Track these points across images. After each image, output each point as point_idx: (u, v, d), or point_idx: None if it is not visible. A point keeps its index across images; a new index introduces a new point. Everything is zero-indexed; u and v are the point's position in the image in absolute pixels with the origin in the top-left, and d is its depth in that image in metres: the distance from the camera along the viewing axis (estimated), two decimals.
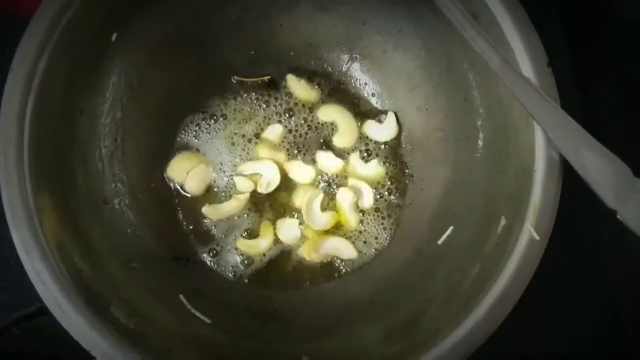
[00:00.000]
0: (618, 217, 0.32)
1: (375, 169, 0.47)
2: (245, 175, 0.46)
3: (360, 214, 0.46)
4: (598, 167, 0.33)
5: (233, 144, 0.47)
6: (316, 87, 0.49)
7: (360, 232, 0.46)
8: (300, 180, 0.47)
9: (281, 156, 0.47)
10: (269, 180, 0.46)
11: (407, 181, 0.47)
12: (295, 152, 0.48)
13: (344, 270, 0.45)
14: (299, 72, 0.48)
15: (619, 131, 0.51)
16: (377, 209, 0.47)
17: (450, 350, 0.33)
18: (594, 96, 0.53)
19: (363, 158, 0.47)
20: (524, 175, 0.36)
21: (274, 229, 0.46)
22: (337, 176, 0.47)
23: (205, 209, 0.45)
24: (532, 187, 0.35)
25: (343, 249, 0.45)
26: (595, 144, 0.33)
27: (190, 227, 0.46)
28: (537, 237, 0.34)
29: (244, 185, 0.46)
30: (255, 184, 0.46)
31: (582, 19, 0.55)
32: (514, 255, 0.34)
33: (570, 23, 0.54)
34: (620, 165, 0.33)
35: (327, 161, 0.47)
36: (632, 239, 0.32)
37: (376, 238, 0.46)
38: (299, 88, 0.48)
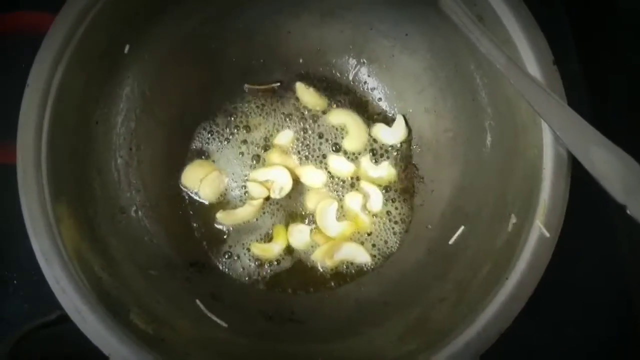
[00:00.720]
0: (628, 212, 0.32)
1: (386, 170, 0.48)
2: (258, 182, 0.47)
3: (373, 217, 0.47)
4: (607, 163, 0.33)
5: (244, 150, 0.48)
6: (325, 94, 0.49)
7: (370, 234, 0.47)
8: (312, 185, 0.48)
9: (292, 161, 0.48)
10: (282, 186, 0.46)
11: (417, 183, 0.48)
12: (306, 156, 0.48)
13: (356, 274, 0.46)
14: (309, 78, 0.49)
15: (627, 127, 0.52)
16: (388, 212, 0.47)
17: (463, 349, 0.33)
18: (601, 92, 0.53)
19: (374, 161, 0.48)
20: (532, 173, 0.36)
21: (287, 232, 0.46)
22: (350, 178, 0.48)
23: (220, 215, 0.46)
24: (541, 184, 0.35)
25: (357, 254, 0.46)
26: (603, 140, 0.34)
27: (205, 233, 0.46)
28: (548, 234, 0.34)
29: (258, 191, 0.46)
30: (268, 189, 0.46)
31: (587, 14, 0.55)
32: (524, 253, 0.34)
33: (576, 19, 0.54)
34: (629, 161, 0.33)
35: (339, 164, 0.48)
36: None
37: (386, 242, 0.46)
38: (307, 96, 0.49)
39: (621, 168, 0.33)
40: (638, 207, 0.32)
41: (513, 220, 0.37)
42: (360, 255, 0.46)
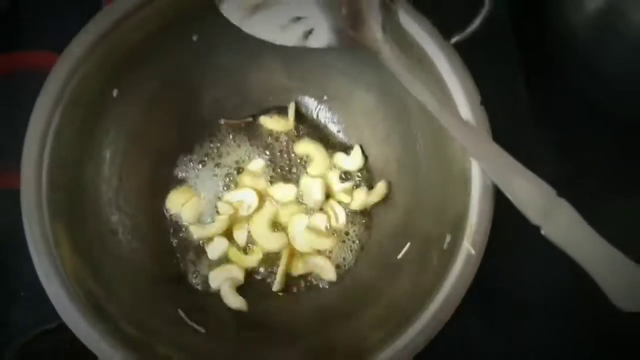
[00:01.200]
0: (542, 232, 0.37)
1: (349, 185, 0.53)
2: (229, 203, 0.52)
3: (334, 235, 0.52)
4: (525, 190, 0.38)
5: (218, 174, 0.53)
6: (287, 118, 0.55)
7: (331, 251, 0.52)
8: (283, 199, 0.53)
9: (261, 183, 0.53)
10: (249, 204, 0.51)
11: (373, 205, 0.52)
12: (275, 179, 0.54)
13: (320, 285, 0.51)
14: (278, 113, 0.55)
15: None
16: (346, 233, 0.52)
17: (401, 350, 0.38)
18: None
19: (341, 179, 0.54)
20: (463, 199, 0.40)
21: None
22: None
23: (193, 228, 0.51)
24: (469, 210, 0.40)
25: (326, 270, 0.51)
26: (523, 171, 0.38)
27: (184, 251, 0.51)
28: (473, 252, 0.39)
29: (225, 209, 0.52)
30: (237, 209, 0.52)
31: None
32: (455, 266, 0.39)
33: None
34: (545, 188, 0.37)
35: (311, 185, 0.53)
36: None
37: (344, 259, 0.51)
38: (271, 122, 0.54)
39: (537, 195, 0.37)
40: (550, 227, 0.37)
41: (448, 239, 0.41)
42: (329, 272, 0.51)
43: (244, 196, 0.52)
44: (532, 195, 0.38)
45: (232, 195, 0.52)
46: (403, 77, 0.40)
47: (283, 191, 0.53)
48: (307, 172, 0.54)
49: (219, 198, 0.53)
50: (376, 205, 0.52)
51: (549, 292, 0.55)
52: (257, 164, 0.54)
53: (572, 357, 0.54)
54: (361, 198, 0.52)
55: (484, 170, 0.39)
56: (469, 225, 0.40)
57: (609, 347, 0.54)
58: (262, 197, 0.52)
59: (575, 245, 0.36)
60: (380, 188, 0.51)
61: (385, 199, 0.52)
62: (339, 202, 0.53)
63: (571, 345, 0.54)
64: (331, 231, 0.52)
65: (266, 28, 0.41)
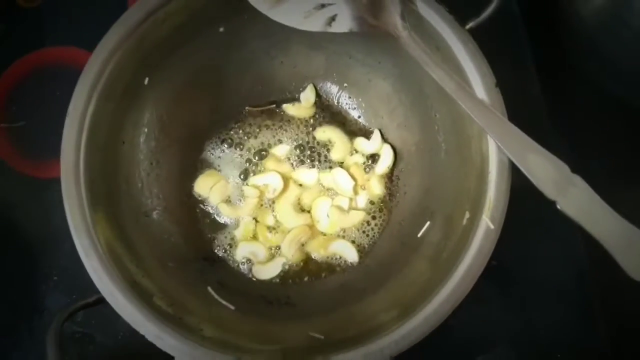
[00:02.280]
0: (558, 207, 0.38)
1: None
2: (255, 185, 0.54)
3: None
4: (541, 167, 0.39)
5: (246, 161, 0.55)
6: (310, 102, 0.57)
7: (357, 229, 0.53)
8: (307, 183, 0.55)
9: (285, 167, 0.55)
10: (275, 187, 0.53)
11: (392, 186, 0.55)
12: (300, 165, 0.56)
13: (341, 266, 0.53)
14: (300, 100, 0.57)
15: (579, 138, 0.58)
16: (368, 212, 0.54)
17: (434, 311, 0.40)
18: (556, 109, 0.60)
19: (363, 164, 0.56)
20: (481, 177, 0.42)
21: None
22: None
23: (222, 207, 0.53)
24: (487, 186, 0.41)
25: (347, 252, 0.52)
26: (537, 148, 0.39)
27: (212, 232, 0.53)
28: (492, 226, 0.40)
29: (252, 192, 0.54)
30: (263, 192, 0.54)
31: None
32: (474, 241, 0.40)
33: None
34: (559, 164, 0.39)
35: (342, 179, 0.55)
36: None
37: (367, 235, 0.53)
38: (293, 109, 0.57)
39: (552, 170, 0.39)
40: (566, 202, 0.38)
41: (467, 215, 0.43)
42: (350, 253, 0.52)
43: (269, 180, 0.54)
44: (547, 171, 0.39)
45: (259, 179, 0.55)
46: (423, 61, 0.42)
47: (306, 175, 0.55)
48: (329, 157, 0.56)
49: (244, 181, 0.55)
50: (395, 186, 0.54)
51: (563, 271, 0.56)
52: (282, 149, 0.56)
53: (585, 334, 0.55)
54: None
55: (501, 148, 0.41)
56: (488, 200, 0.41)
57: (622, 326, 0.55)
58: (286, 180, 0.55)
59: (590, 219, 0.38)
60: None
61: (403, 180, 0.54)
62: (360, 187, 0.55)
63: (586, 323, 0.55)
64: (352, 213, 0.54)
65: (292, 15, 0.43)
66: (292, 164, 0.56)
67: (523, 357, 0.54)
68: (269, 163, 0.55)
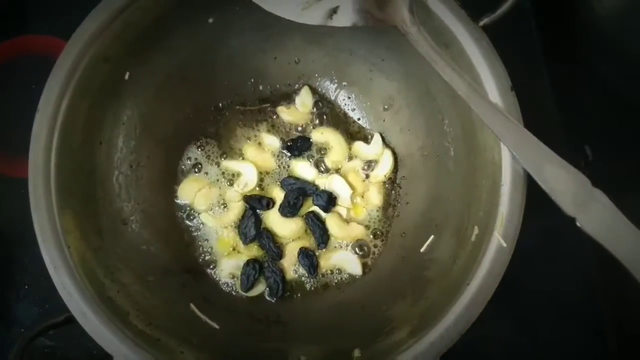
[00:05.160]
0: (577, 224, 0.35)
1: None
2: (227, 168, 0.51)
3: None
4: (558, 179, 0.36)
5: (232, 164, 0.52)
6: (308, 108, 0.53)
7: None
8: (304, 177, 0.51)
9: (266, 158, 0.51)
10: (247, 181, 0.50)
11: (394, 195, 0.51)
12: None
13: (338, 281, 0.49)
14: (293, 100, 0.53)
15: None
16: (367, 226, 0.51)
17: (427, 348, 0.37)
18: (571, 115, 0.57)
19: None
20: (493, 188, 0.39)
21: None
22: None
23: (204, 217, 0.50)
24: (500, 199, 0.38)
25: (351, 265, 0.49)
26: (556, 159, 0.37)
27: (196, 243, 0.50)
28: (505, 244, 0.38)
29: (233, 196, 0.50)
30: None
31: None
32: (484, 261, 0.38)
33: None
34: (579, 177, 0.36)
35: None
36: None
37: (367, 252, 0.50)
38: (288, 114, 0.53)
39: (572, 183, 0.36)
40: (586, 219, 0.35)
41: (475, 231, 0.40)
42: (353, 266, 0.49)
43: (243, 169, 0.51)
44: (566, 184, 0.36)
45: (233, 164, 0.51)
46: (432, 59, 0.39)
47: (304, 169, 0.51)
48: (325, 161, 0.52)
49: (231, 186, 0.51)
50: (397, 195, 0.51)
51: (571, 286, 0.54)
52: (273, 140, 0.52)
53: (595, 351, 0.54)
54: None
55: (516, 158, 0.38)
56: (500, 215, 0.38)
57: (633, 343, 0.53)
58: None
59: (612, 238, 0.35)
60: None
61: (405, 188, 0.51)
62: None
63: (595, 340, 0.54)
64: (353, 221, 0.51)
65: (288, 7, 0.39)
66: (277, 159, 0.52)
67: None
68: (249, 150, 0.51)
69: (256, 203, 0.50)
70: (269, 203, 0.50)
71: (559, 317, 0.54)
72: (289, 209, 0.49)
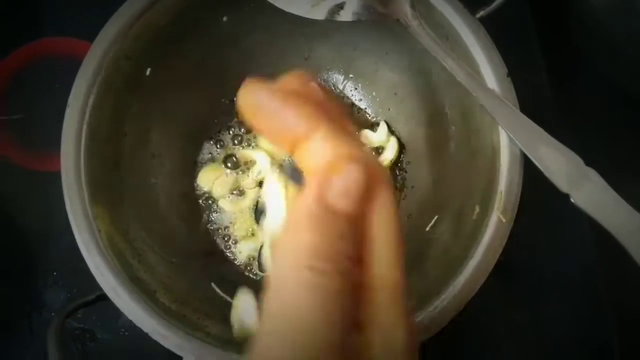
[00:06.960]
0: (572, 200, 0.37)
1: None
2: (243, 156, 0.53)
3: None
4: (553, 159, 0.38)
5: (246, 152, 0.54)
6: None
7: None
8: None
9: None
10: (260, 170, 0.52)
11: (400, 179, 0.54)
12: None
13: None
14: None
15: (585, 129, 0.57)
16: None
17: (443, 309, 0.39)
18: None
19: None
20: (491, 169, 0.41)
21: None
22: None
23: (223, 202, 0.52)
24: (498, 179, 0.40)
25: None
26: (550, 140, 0.39)
27: (216, 227, 0.52)
28: (504, 220, 0.40)
29: (248, 183, 0.53)
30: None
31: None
32: (485, 236, 0.39)
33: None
34: (572, 157, 0.38)
35: None
36: None
37: None
38: None
39: (565, 163, 0.38)
40: (580, 196, 0.37)
41: (477, 209, 0.42)
42: None
43: (257, 157, 0.53)
44: (560, 163, 0.38)
45: (248, 153, 0.53)
46: (434, 50, 0.41)
47: None
48: None
49: (244, 173, 0.53)
50: (402, 179, 0.53)
51: (571, 264, 0.56)
52: None
53: (594, 329, 0.55)
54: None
55: (512, 140, 0.40)
56: (499, 193, 0.40)
57: (632, 321, 0.55)
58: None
59: (604, 213, 0.37)
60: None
61: (410, 172, 0.53)
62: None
63: (594, 318, 0.55)
64: None
65: (299, 3, 0.42)
66: None
67: (530, 352, 0.54)
68: (263, 139, 0.53)
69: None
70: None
71: (558, 295, 0.55)
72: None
